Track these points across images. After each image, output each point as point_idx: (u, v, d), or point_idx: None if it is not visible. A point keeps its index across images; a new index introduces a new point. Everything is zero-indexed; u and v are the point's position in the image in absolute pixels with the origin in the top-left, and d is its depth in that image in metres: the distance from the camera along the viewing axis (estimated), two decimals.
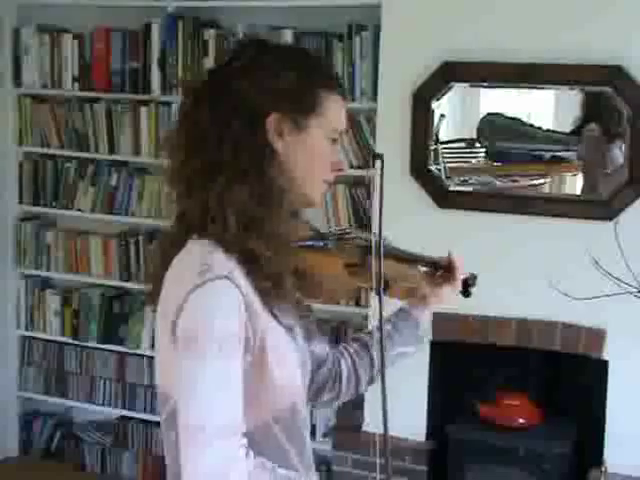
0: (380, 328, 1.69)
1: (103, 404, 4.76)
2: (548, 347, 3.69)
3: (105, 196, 4.64)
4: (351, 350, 1.90)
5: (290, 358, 1.61)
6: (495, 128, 3.94)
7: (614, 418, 3.63)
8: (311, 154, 1.62)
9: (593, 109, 3.79)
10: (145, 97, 4.49)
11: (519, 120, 3.90)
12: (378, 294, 1.72)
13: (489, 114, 3.95)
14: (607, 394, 3.63)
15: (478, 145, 4.00)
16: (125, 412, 4.72)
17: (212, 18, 4.41)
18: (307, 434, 1.68)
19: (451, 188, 3.82)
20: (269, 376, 1.55)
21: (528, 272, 3.63)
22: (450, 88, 3.73)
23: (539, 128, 3.90)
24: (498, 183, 3.96)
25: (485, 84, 3.77)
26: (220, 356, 1.46)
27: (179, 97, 4.36)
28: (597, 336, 3.63)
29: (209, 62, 4.34)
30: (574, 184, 3.94)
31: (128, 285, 4.67)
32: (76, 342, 4.76)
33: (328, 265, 1.75)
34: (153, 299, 1.63)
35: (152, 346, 4.60)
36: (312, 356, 1.77)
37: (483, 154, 4.03)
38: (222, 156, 1.55)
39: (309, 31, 4.18)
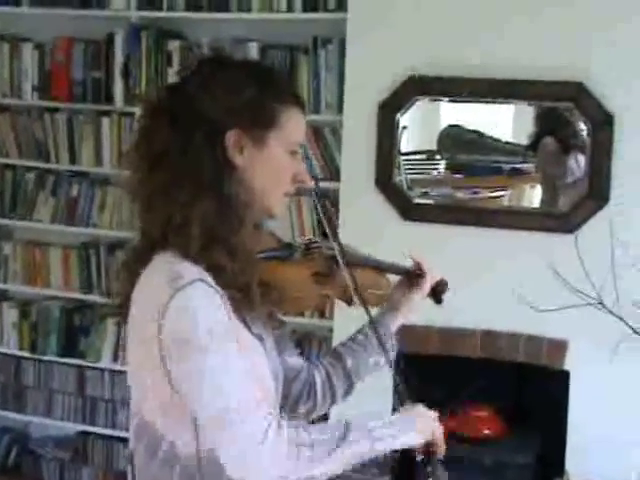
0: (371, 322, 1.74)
1: (62, 419, 4.69)
2: (512, 359, 3.73)
3: (65, 207, 4.60)
4: (325, 362, 1.91)
5: (262, 367, 1.62)
6: (455, 140, 3.98)
7: (575, 428, 3.68)
8: (271, 168, 1.64)
9: (549, 122, 3.84)
10: (107, 107, 4.46)
11: (479, 132, 3.95)
12: (349, 303, 1.77)
13: (449, 126, 3.98)
14: (569, 404, 3.69)
15: (438, 157, 4.03)
16: (85, 427, 4.66)
17: (176, 29, 4.40)
18: None
19: (416, 201, 3.85)
20: None
21: (492, 284, 3.67)
22: (415, 101, 3.76)
23: (498, 140, 3.95)
24: (459, 195, 3.99)
25: (451, 99, 3.80)
26: (216, 346, 1.48)
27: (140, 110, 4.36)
28: (559, 347, 3.68)
29: (173, 73, 4.33)
30: (534, 196, 3.99)
31: (89, 297, 4.62)
32: (35, 356, 4.70)
33: (294, 275, 1.75)
34: (124, 318, 1.63)
35: (114, 359, 4.58)
36: (286, 368, 1.79)
37: (443, 166, 4.06)
38: (183, 172, 1.56)
39: (274, 44, 4.19)
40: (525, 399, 3.93)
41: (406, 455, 1.71)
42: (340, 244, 1.79)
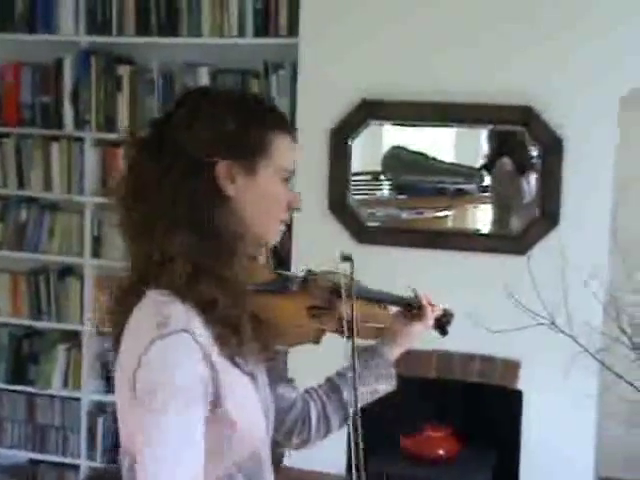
0: (353, 369, 1.69)
1: (12, 447, 4.62)
2: (467, 379, 3.78)
3: (14, 232, 4.55)
4: (320, 392, 1.88)
5: (252, 407, 1.59)
6: (400, 161, 4.02)
7: (529, 446, 3.74)
8: (264, 196, 1.60)
9: (504, 143, 3.91)
10: (57, 132, 4.43)
11: (423, 154, 4.00)
12: (348, 337, 1.70)
13: (393, 147, 4.02)
14: (522, 423, 3.74)
15: (383, 178, 4.07)
16: (36, 455, 4.60)
17: (126, 54, 4.39)
18: None
19: (369, 223, 3.89)
20: (231, 426, 1.52)
21: (446, 306, 3.70)
22: (368, 125, 3.80)
23: (442, 162, 4.00)
24: (404, 215, 4.03)
25: (403, 123, 3.85)
26: (181, 409, 1.43)
27: (92, 133, 4.35)
28: (512, 367, 3.73)
29: (123, 98, 4.33)
30: (481, 216, 4.05)
31: (38, 324, 4.57)
32: None
33: (289, 310, 1.71)
34: (116, 352, 1.58)
35: (64, 385, 4.54)
36: (280, 399, 1.76)
37: (388, 187, 4.10)
38: (160, 205, 1.54)
39: (225, 69, 4.21)
40: (479, 419, 3.97)
41: None
42: (339, 275, 1.73)
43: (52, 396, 4.55)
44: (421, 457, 3.76)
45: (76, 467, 4.53)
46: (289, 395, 1.82)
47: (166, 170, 1.55)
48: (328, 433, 1.89)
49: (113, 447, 4.46)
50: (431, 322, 1.93)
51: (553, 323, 3.53)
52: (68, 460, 4.52)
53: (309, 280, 1.78)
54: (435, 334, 2.01)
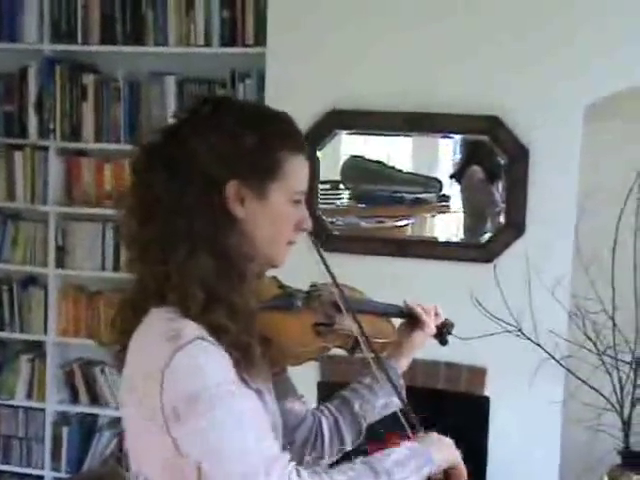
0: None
1: None
2: (432, 386, 3.81)
3: None
4: (332, 407, 1.86)
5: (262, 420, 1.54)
6: (358, 170, 4.05)
7: (494, 453, 3.78)
8: (274, 219, 1.55)
9: (474, 152, 3.96)
10: (20, 141, 4.40)
11: (381, 163, 4.03)
12: (353, 352, 1.72)
13: (352, 157, 4.05)
14: (489, 429, 3.78)
15: (342, 187, 4.09)
16: None
17: (91, 63, 4.37)
18: None
19: (335, 232, 3.91)
20: None
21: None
22: (335, 135, 3.83)
23: (400, 171, 4.04)
24: (364, 224, 4.06)
25: (370, 132, 3.88)
26: (227, 403, 1.40)
27: (56, 142, 4.32)
28: (479, 374, 3.77)
29: (88, 107, 4.31)
30: (442, 225, 4.09)
31: (1, 334, 4.53)
32: None
33: (295, 328, 1.67)
34: (119, 368, 1.55)
35: (28, 396, 4.50)
36: (289, 414, 1.75)
37: (347, 196, 4.12)
38: (179, 225, 1.48)
39: (192, 78, 4.21)
40: (446, 426, 3.99)
41: None
42: (342, 290, 1.72)
43: (16, 407, 4.50)
44: None
45: (40, 478, 4.49)
46: (298, 410, 1.80)
47: (183, 187, 1.50)
48: (342, 448, 1.86)
49: (78, 457, 4.45)
50: (433, 330, 1.95)
51: (520, 330, 3.58)
52: (32, 471, 4.48)
53: (313, 295, 1.75)
54: (435, 343, 2.05)
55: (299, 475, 1.40)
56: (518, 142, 3.64)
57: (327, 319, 1.71)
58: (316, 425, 1.83)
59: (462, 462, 1.69)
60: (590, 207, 3.63)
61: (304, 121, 3.82)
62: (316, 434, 1.83)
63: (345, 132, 3.87)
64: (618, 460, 3.69)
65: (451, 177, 3.99)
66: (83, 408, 4.50)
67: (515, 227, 3.68)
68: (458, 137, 3.88)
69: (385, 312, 1.90)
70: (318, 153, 3.84)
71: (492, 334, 3.58)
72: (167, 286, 1.47)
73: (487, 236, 3.79)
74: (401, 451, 1.57)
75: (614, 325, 3.62)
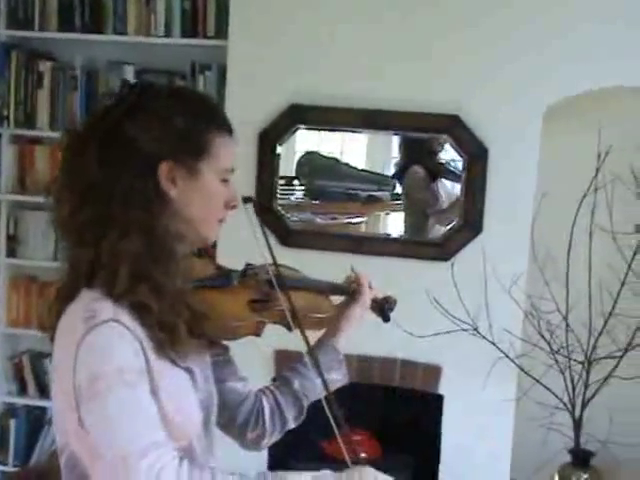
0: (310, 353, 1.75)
1: None
2: (388, 383, 3.82)
3: None
4: (272, 387, 1.90)
5: (187, 401, 1.59)
6: (313, 167, 4.04)
7: (447, 451, 3.80)
8: (205, 197, 1.61)
9: (415, 151, 3.97)
10: None
11: (335, 159, 4.03)
12: (291, 328, 1.75)
13: (307, 153, 4.04)
14: (442, 427, 3.80)
15: (297, 183, 4.09)
16: None
17: (48, 50, 4.31)
18: None
19: (293, 227, 3.90)
20: (163, 418, 1.51)
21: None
22: (296, 130, 3.82)
23: (354, 168, 4.04)
24: (319, 220, 4.06)
25: (330, 128, 3.88)
26: (125, 386, 1.44)
27: (9, 129, 4.25)
28: (433, 372, 3.79)
29: (44, 94, 4.24)
30: (389, 223, 4.10)
31: None
32: None
33: (230, 304, 1.72)
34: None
35: None
36: (232, 394, 1.78)
37: (302, 192, 4.12)
38: (113, 207, 1.52)
39: (151, 68, 4.17)
40: (400, 423, 4.02)
41: None
42: (277, 267, 1.77)
43: None
44: (342, 460, 3.77)
45: None
46: (240, 390, 1.84)
47: (117, 170, 1.53)
48: (284, 427, 1.91)
49: (26, 450, 4.39)
50: (368, 302, 1.96)
51: (476, 329, 3.61)
52: None
53: (249, 274, 1.80)
54: (378, 320, 2.05)
55: (180, 465, 1.43)
56: (477, 141, 3.66)
57: (262, 296, 1.77)
58: (257, 404, 1.87)
59: None
60: (546, 207, 3.67)
61: (264, 115, 3.81)
62: (257, 413, 1.87)
63: (305, 127, 3.85)
64: (569, 459, 3.75)
65: (392, 177, 4.01)
66: (31, 400, 4.43)
67: (473, 226, 3.70)
68: (417, 135, 3.87)
69: (322, 289, 1.92)
70: (278, 149, 3.83)
71: (448, 332, 3.61)
72: (97, 266, 1.51)
73: (443, 235, 3.81)
74: (305, 476, 1.58)
75: (567, 325, 3.67)
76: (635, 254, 3.65)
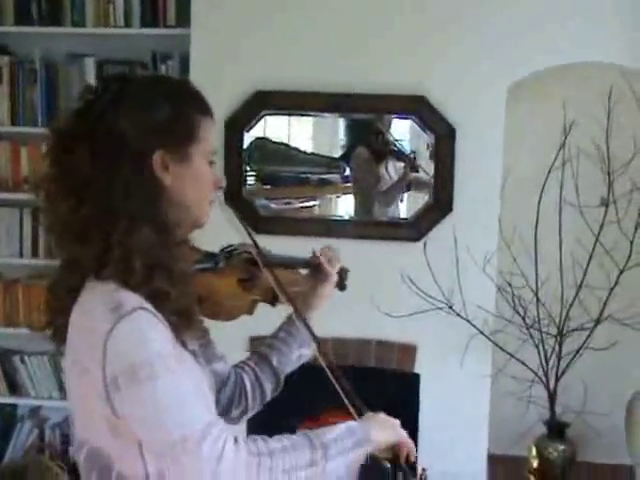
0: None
1: None
2: (364, 364, 3.84)
3: None
4: (251, 364, 1.94)
5: (203, 384, 1.63)
6: (263, 152, 4.04)
7: (425, 428, 3.84)
8: (197, 180, 1.62)
9: (360, 133, 4.00)
10: None
11: (285, 144, 4.04)
12: (275, 304, 1.82)
13: (257, 139, 4.03)
14: (419, 406, 3.84)
15: (248, 169, 4.09)
16: None
17: (5, 44, 4.24)
18: None
19: (263, 214, 3.90)
20: None
21: (343, 293, 3.76)
22: (262, 116, 3.81)
23: (304, 152, 4.06)
24: (273, 205, 4.06)
25: (298, 113, 3.88)
26: (167, 371, 1.45)
27: None
28: (409, 351, 3.82)
29: (3, 89, 4.19)
30: (341, 205, 4.11)
31: None
32: None
33: (224, 284, 1.77)
34: (57, 348, 1.60)
35: None
36: (215, 375, 1.80)
37: (254, 177, 4.12)
38: (115, 202, 1.52)
39: (111, 59, 4.13)
40: (377, 403, 4.03)
41: (374, 463, 1.71)
42: (258, 246, 1.83)
43: None
44: None
45: None
46: (222, 370, 1.87)
47: (112, 165, 1.53)
48: (263, 400, 1.95)
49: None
50: (335, 278, 1.99)
51: (450, 307, 3.65)
52: None
53: (232, 254, 1.85)
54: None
55: (236, 441, 1.45)
56: (445, 121, 3.69)
57: (248, 274, 1.82)
58: (239, 382, 1.91)
59: (408, 440, 1.75)
60: (513, 183, 3.71)
61: (229, 102, 3.81)
62: (240, 391, 1.91)
63: (272, 113, 3.85)
64: (545, 430, 3.81)
65: (340, 159, 4.02)
66: (2, 398, 4.39)
67: (443, 205, 3.73)
68: (385, 117, 3.88)
69: (292, 263, 1.99)
70: (245, 135, 3.83)
71: (423, 312, 3.64)
72: (109, 261, 1.51)
73: (413, 215, 3.83)
74: (340, 428, 1.62)
75: (537, 300, 3.72)
76: (602, 227, 3.71)
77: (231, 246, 1.87)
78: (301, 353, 1.97)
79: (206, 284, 1.71)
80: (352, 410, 1.77)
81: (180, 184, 1.59)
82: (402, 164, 3.91)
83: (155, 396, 1.44)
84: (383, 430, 1.71)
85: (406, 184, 3.91)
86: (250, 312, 1.83)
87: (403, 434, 1.73)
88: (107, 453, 1.53)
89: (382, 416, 1.76)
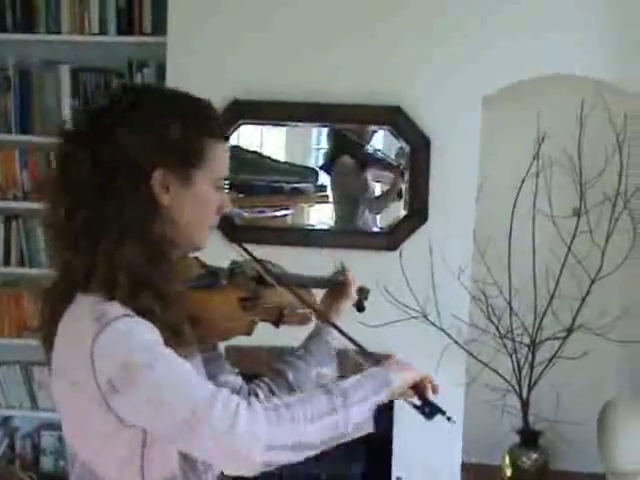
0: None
1: None
2: (340, 374, 3.83)
3: None
4: (266, 380, 1.91)
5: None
6: (236, 161, 4.05)
7: (399, 438, 3.85)
8: (198, 204, 1.60)
9: (342, 142, 4.01)
10: None
11: (258, 153, 4.04)
12: (278, 324, 1.79)
13: (231, 147, 4.03)
14: (393, 416, 3.85)
15: None
16: None
17: None
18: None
19: (239, 223, 3.90)
20: None
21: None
22: (240, 126, 3.81)
23: (277, 161, 4.07)
24: (245, 214, 4.06)
25: (274, 123, 3.89)
26: (161, 356, 1.45)
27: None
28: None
29: None
30: (313, 215, 4.11)
31: None
32: None
33: (221, 304, 1.71)
34: (47, 358, 1.58)
35: None
36: (224, 386, 1.73)
37: (228, 186, 4.11)
38: (106, 214, 1.50)
39: (87, 67, 4.12)
40: None
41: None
42: (264, 264, 1.78)
43: None
44: None
45: None
46: (233, 382, 1.85)
47: (110, 177, 1.51)
48: None
49: None
50: (355, 296, 2.00)
51: (425, 317, 3.66)
52: None
53: (236, 272, 1.79)
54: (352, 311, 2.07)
55: (249, 402, 1.45)
56: (419, 131, 3.71)
57: (251, 294, 1.77)
58: (252, 394, 1.87)
59: (428, 375, 1.76)
60: (486, 193, 3.74)
61: None
62: None
63: (247, 123, 3.85)
64: (518, 439, 3.83)
65: (320, 168, 4.04)
66: None
67: (418, 215, 3.75)
68: (360, 128, 3.91)
69: (306, 283, 1.94)
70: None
71: (398, 321, 3.66)
72: (94, 273, 1.50)
73: (390, 224, 3.85)
74: (357, 375, 1.64)
75: (511, 309, 3.75)
76: (574, 237, 3.75)
77: (237, 263, 1.81)
78: (320, 372, 1.93)
79: (203, 302, 1.66)
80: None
81: (179, 205, 1.57)
82: (388, 173, 3.92)
83: (154, 382, 1.43)
84: (401, 371, 1.72)
85: (397, 192, 3.90)
86: (249, 333, 1.76)
87: (420, 372, 1.74)
88: (98, 471, 1.52)
89: (396, 359, 1.78)
